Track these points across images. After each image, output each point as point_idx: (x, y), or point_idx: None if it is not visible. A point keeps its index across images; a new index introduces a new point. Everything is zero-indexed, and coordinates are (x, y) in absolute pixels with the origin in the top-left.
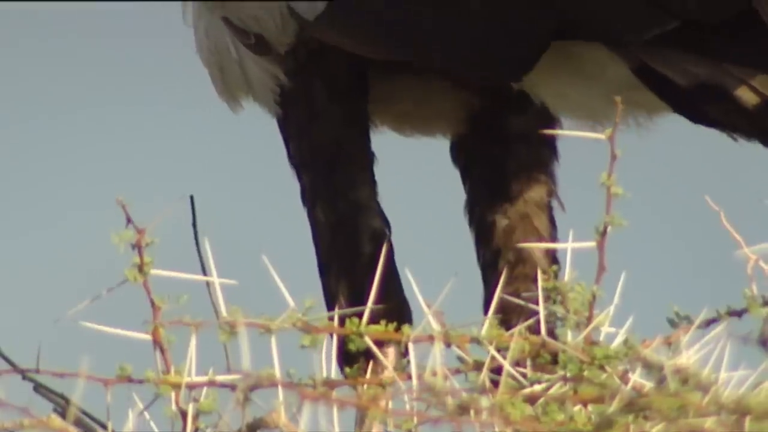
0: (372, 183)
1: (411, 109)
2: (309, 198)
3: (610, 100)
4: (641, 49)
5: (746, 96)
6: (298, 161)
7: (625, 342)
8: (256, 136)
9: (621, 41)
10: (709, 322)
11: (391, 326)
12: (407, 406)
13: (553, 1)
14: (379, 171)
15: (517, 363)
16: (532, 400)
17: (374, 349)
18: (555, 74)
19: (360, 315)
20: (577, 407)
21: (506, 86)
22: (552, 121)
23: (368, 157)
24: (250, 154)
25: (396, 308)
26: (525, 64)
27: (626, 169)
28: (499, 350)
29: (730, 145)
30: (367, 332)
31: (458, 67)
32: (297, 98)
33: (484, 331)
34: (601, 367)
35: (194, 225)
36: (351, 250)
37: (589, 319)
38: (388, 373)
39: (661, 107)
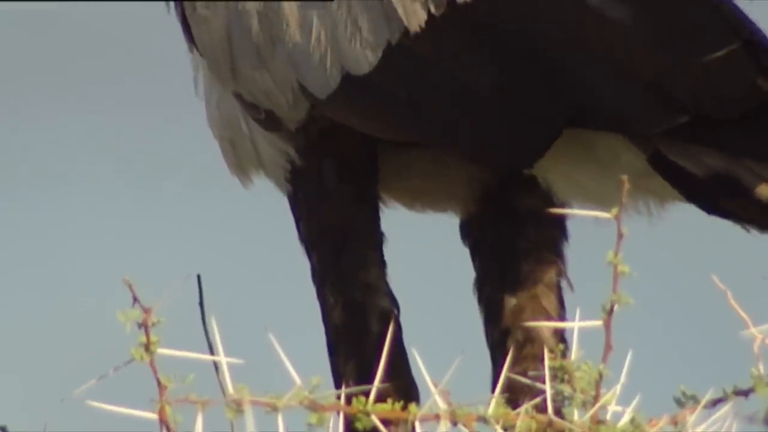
0: (381, 263)
1: (423, 185)
2: (318, 277)
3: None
4: (656, 137)
5: (762, 190)
6: (308, 240)
7: (632, 421)
8: (263, 215)
9: (633, 133)
10: (716, 402)
11: (398, 405)
12: None
13: (566, 91)
14: (387, 249)
15: None
16: None
17: (381, 428)
18: (566, 161)
19: (367, 393)
20: None
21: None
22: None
23: (377, 237)
24: (256, 233)
25: (403, 387)
26: (536, 152)
27: (633, 248)
28: (505, 429)
29: (736, 226)
30: (373, 411)
31: (467, 152)
32: (307, 176)
33: (490, 410)
34: None
35: (201, 304)
36: (360, 330)
37: (596, 398)
38: None
39: (673, 195)
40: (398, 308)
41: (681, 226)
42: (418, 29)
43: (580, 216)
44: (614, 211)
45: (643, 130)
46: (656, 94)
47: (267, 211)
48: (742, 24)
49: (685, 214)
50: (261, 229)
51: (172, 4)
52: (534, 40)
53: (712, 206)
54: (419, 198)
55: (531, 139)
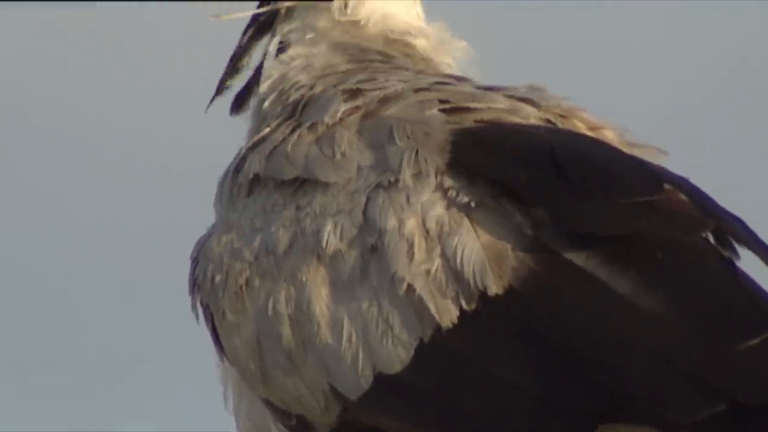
0: None
1: None
2: None
3: None
4: (690, 430)
5: None
6: None
7: None
8: None
9: (669, 423)
10: None
11: None
12: None
13: (601, 383)
14: None
15: None
16: None
17: None
18: None
19: None
20: None
21: None
22: None
23: None
24: None
25: None
26: None
27: None
28: None
29: None
30: None
31: None
32: None
33: None
34: None
35: None
36: None
37: None
38: None
39: None
40: None
41: None
42: (450, 325)
43: None
44: None
45: (679, 420)
46: (691, 383)
47: None
48: None
49: None
50: None
51: (200, 313)
52: (567, 331)
53: None
54: None
55: None
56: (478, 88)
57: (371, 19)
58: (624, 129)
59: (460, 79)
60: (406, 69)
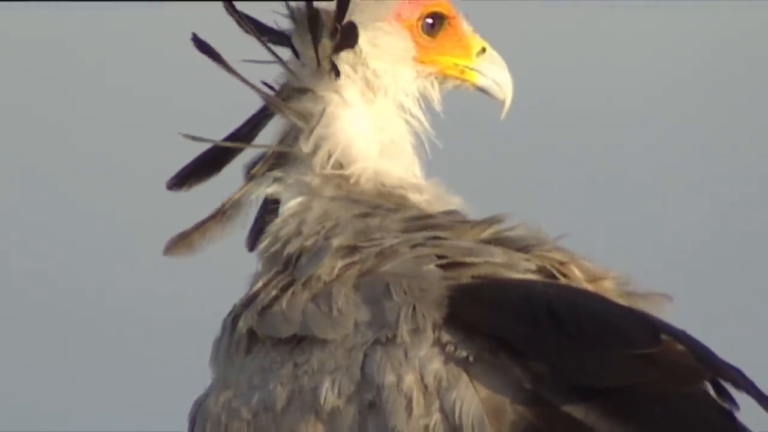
0: None
1: None
2: None
3: None
4: None
5: None
6: None
7: None
8: None
9: None
10: None
11: None
12: None
13: None
14: None
15: None
16: None
17: None
18: None
19: None
20: None
21: None
22: None
23: None
24: None
25: None
26: None
27: None
28: None
29: None
30: None
31: None
32: None
33: None
34: None
35: None
36: None
37: None
38: None
39: None
40: None
41: None
42: None
43: None
44: None
45: None
46: None
47: None
48: None
49: None
50: None
51: None
52: None
53: None
54: None
55: None
56: (477, 241)
57: (363, 176)
58: (625, 277)
59: (449, 213)
60: (397, 211)
